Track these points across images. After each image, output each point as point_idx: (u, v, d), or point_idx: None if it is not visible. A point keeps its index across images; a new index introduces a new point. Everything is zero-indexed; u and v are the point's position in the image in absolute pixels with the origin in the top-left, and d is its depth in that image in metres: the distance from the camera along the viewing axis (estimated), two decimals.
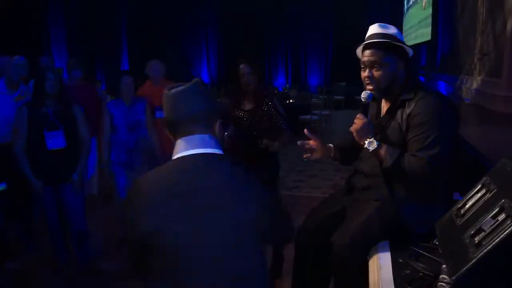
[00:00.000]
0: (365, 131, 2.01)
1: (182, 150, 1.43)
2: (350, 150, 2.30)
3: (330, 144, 2.38)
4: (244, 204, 1.37)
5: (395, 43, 2.01)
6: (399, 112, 2.01)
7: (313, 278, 2.31)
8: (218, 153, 1.45)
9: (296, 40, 14.49)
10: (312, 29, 14.12)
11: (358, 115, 2.05)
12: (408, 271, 1.69)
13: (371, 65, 2.01)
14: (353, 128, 2.04)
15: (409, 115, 1.96)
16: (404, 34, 9.79)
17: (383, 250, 1.90)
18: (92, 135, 4.07)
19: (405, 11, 12.40)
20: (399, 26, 10.02)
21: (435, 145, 1.89)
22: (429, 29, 8.90)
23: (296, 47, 14.55)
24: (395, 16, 12.12)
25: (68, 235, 3.57)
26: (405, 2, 12.38)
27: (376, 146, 1.98)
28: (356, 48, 2.13)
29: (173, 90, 1.46)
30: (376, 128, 2.10)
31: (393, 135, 2.03)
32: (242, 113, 3.20)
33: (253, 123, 3.15)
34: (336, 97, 12.80)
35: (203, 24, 14.75)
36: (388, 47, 2.00)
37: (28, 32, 10.39)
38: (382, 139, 2.03)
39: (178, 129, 1.46)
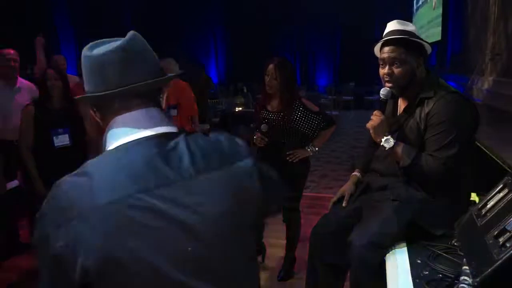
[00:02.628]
0: (382, 129, 2.00)
1: (124, 134, 1.02)
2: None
3: (355, 173, 2.40)
4: (223, 195, 1.01)
5: (416, 39, 1.99)
6: (417, 111, 1.99)
7: (327, 279, 2.30)
8: (175, 131, 1.06)
9: (304, 40, 14.46)
10: (320, 29, 14.08)
11: (375, 112, 2.04)
12: (427, 272, 1.67)
13: (391, 61, 1.99)
14: (369, 125, 2.03)
15: (428, 114, 1.94)
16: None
17: (401, 251, 1.89)
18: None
19: (415, 11, 12.34)
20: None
21: (453, 146, 1.88)
22: (439, 29, 8.85)
23: (305, 47, 14.51)
24: (404, 16, 12.07)
25: None
26: (414, 2, 12.32)
27: (393, 144, 1.97)
28: (374, 46, 2.11)
29: (100, 51, 1.04)
30: (393, 126, 2.08)
31: (410, 133, 2.01)
32: (269, 114, 3.15)
33: (281, 124, 3.10)
34: (345, 97, 12.75)
35: (211, 23, 14.76)
36: (408, 44, 1.98)
37: (37, 31, 10.46)
38: (399, 138, 2.02)
39: (111, 109, 1.05)
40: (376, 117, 2.01)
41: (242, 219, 1.03)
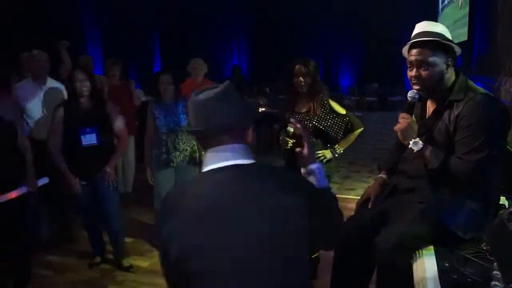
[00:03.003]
0: (410, 131, 1.98)
1: (213, 162, 1.35)
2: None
3: (381, 175, 2.38)
4: (282, 212, 1.25)
5: (444, 41, 1.97)
6: (446, 113, 1.97)
7: (353, 280, 2.29)
8: (248, 163, 1.36)
9: (327, 41, 14.37)
10: (344, 30, 13.97)
11: (403, 115, 2.02)
12: (456, 276, 1.66)
13: (418, 64, 1.97)
14: (397, 128, 2.01)
15: (457, 116, 1.92)
16: None
17: (428, 254, 1.87)
18: (129, 134, 4.15)
19: (440, 10, 12.14)
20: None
21: (483, 149, 1.85)
22: (465, 29, 8.68)
23: (328, 47, 14.43)
24: (429, 17, 11.90)
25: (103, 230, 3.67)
26: (440, 2, 12.11)
27: (421, 146, 1.95)
28: (402, 47, 2.09)
29: (202, 97, 1.35)
30: (421, 128, 2.06)
31: (439, 136, 1.99)
32: (296, 116, 3.13)
33: (308, 126, 3.06)
34: (368, 98, 12.65)
35: (235, 24, 14.82)
36: (435, 46, 1.95)
37: (65, 33, 10.67)
38: (427, 140, 2.00)
39: (208, 141, 1.37)
40: (404, 120, 2.00)
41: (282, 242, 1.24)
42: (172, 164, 3.75)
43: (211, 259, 1.22)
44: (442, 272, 1.71)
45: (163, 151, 3.75)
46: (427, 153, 1.95)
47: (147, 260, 3.77)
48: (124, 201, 4.37)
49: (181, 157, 3.76)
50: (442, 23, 8.89)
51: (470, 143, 1.87)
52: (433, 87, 1.99)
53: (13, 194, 2.93)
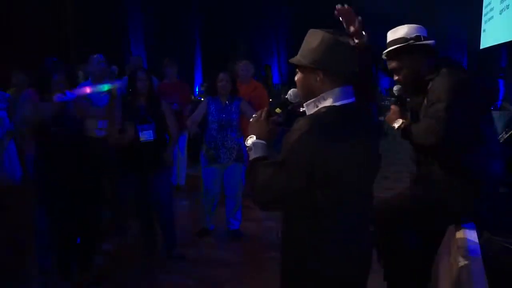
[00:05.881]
0: (395, 116, 2.23)
1: (343, 98, 1.56)
2: None
3: None
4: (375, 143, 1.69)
5: (400, 45, 2.12)
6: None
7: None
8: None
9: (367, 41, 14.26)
10: (383, 29, 13.82)
11: (392, 106, 2.28)
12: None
13: (393, 71, 2.20)
14: (387, 117, 2.27)
15: (428, 91, 2.09)
16: (483, 34, 9.41)
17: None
18: (184, 130, 4.38)
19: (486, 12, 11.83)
20: (477, 28, 9.60)
21: (444, 112, 1.96)
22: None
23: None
24: (472, 14, 11.62)
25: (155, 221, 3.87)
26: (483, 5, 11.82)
27: (400, 122, 2.17)
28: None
29: (345, 41, 1.57)
30: (412, 113, 2.28)
31: (420, 114, 2.17)
32: None
33: None
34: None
35: (274, 24, 14.92)
36: (397, 52, 2.13)
37: (110, 34, 11.08)
38: (415, 121, 2.20)
39: (338, 78, 1.56)
40: (391, 109, 2.25)
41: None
42: (219, 160, 3.93)
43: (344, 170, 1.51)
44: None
45: (212, 147, 3.93)
46: (407, 128, 2.14)
47: (196, 251, 3.96)
48: (175, 194, 4.58)
49: (228, 154, 3.94)
50: (487, 16, 8.41)
51: (432, 109, 2.01)
52: (411, 85, 2.19)
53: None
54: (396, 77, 2.20)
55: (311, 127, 1.47)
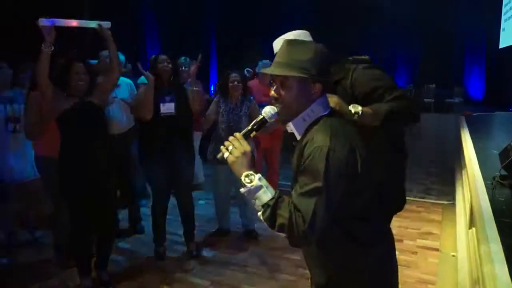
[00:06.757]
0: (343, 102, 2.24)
1: (326, 105, 1.57)
2: None
3: None
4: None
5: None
6: None
7: None
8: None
9: (384, 40, 14.12)
10: (401, 29, 13.68)
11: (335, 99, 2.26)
12: None
13: None
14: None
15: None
16: (503, 33, 9.27)
17: None
18: (197, 131, 4.38)
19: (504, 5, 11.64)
20: (496, 26, 9.44)
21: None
22: None
23: (385, 47, 14.18)
24: (491, 15, 11.45)
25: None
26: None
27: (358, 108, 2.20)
28: None
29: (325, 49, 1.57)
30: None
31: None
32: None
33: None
34: (426, 99, 12.41)
35: (292, 23, 14.87)
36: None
37: (124, 32, 11.19)
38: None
39: (327, 87, 1.56)
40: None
41: None
42: (227, 161, 3.93)
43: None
44: None
45: (219, 147, 3.92)
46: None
47: (212, 251, 3.97)
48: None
49: None
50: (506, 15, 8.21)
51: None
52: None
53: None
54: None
55: (331, 143, 1.41)
